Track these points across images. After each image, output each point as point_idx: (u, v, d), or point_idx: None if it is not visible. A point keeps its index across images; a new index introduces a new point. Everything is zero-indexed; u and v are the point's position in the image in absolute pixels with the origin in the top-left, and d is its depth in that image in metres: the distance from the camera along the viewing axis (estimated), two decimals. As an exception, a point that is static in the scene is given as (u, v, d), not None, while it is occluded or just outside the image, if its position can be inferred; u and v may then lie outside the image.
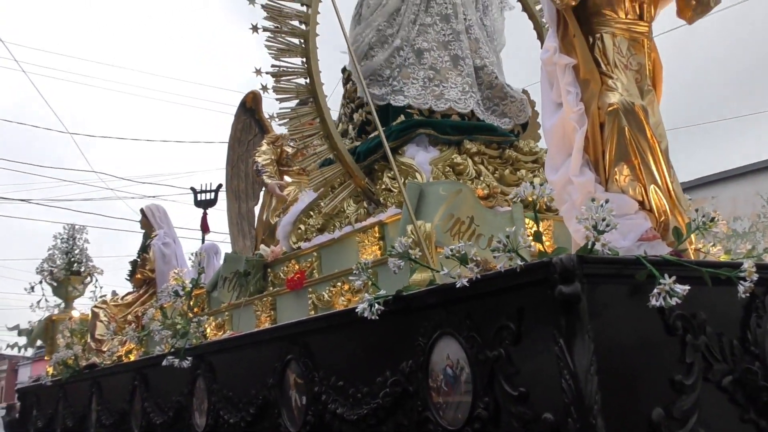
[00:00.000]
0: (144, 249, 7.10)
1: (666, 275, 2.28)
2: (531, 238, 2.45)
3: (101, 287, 9.48)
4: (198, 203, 17.52)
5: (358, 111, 4.60)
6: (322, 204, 4.31)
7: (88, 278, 9.29)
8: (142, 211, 7.42)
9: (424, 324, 2.73)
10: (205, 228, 11.70)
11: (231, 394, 4.00)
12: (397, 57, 4.37)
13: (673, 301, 2.25)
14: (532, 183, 2.56)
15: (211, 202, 17.50)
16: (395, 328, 2.89)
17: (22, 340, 9.58)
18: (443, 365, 2.67)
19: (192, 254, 6.74)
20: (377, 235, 3.70)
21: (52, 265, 9.08)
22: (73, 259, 9.22)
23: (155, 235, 7.06)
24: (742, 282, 2.43)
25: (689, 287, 2.26)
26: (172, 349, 4.46)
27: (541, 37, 5.00)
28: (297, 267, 4.28)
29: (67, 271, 9.09)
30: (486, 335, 2.46)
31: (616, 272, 2.34)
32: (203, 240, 13.30)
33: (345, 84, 4.82)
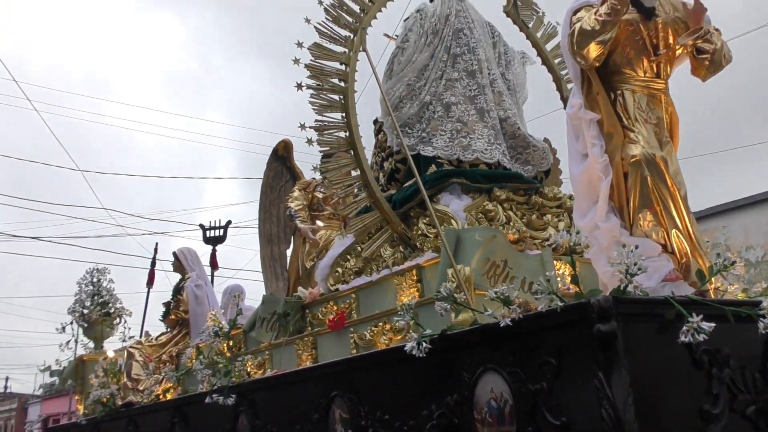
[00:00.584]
0: (177, 291, 7.36)
1: (693, 314, 2.53)
2: (570, 281, 2.70)
3: (129, 327, 9.77)
4: (207, 240, 17.78)
5: (388, 160, 4.89)
6: (359, 248, 4.58)
7: (117, 319, 9.56)
8: (174, 254, 7.70)
9: (468, 360, 2.98)
10: (214, 265, 11.94)
11: (275, 430, 4.23)
12: (427, 111, 4.68)
13: (701, 338, 2.50)
14: (568, 231, 2.81)
15: (220, 239, 17.77)
16: (440, 365, 3.13)
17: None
18: (487, 398, 2.91)
19: (229, 294, 7.05)
20: (415, 278, 3.96)
21: (82, 306, 9.36)
22: (102, 300, 9.49)
23: (188, 278, 7.32)
24: (761, 319, 2.67)
25: (714, 324, 2.51)
26: (214, 387, 4.69)
27: (560, 89, 5.30)
28: (336, 308, 4.53)
29: (98, 312, 9.35)
30: (528, 370, 2.71)
31: (648, 311, 2.60)
32: (212, 276, 13.53)
33: (376, 134, 5.13)
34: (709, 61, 3.66)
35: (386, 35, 5.21)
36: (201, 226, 18.26)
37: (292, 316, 4.86)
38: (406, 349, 3.08)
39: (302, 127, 4.22)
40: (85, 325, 9.39)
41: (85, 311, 9.34)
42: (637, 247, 2.79)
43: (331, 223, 6.13)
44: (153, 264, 9.62)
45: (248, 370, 4.88)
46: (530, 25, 5.40)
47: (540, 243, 4.14)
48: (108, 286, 9.72)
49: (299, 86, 4.26)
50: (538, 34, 5.42)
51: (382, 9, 4.70)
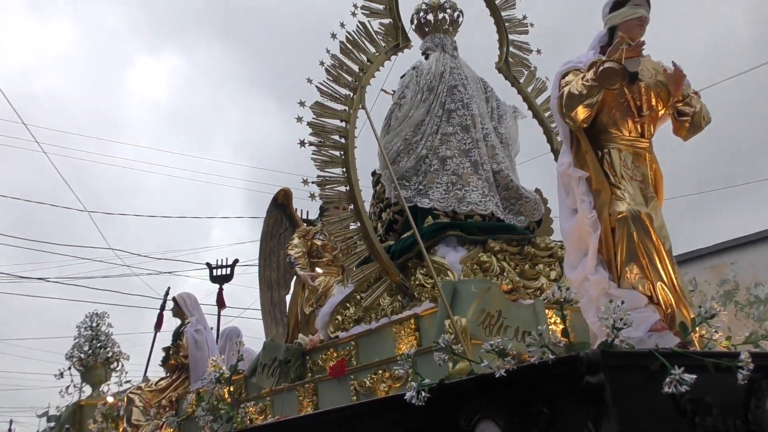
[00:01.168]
0: (177, 336, 7.47)
1: (676, 366, 2.70)
2: (560, 335, 2.88)
3: (127, 372, 9.86)
4: (213, 279, 17.81)
5: (386, 210, 5.09)
6: (359, 297, 4.74)
7: (115, 363, 9.66)
8: (174, 299, 7.82)
9: (466, 409, 3.13)
10: (221, 303, 12.02)
11: (277, 475, 4.35)
12: (423, 164, 4.88)
13: (683, 388, 2.67)
14: (559, 287, 2.99)
15: (227, 278, 17.81)
16: (438, 413, 3.28)
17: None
18: (484, 445, 3.06)
19: (226, 337, 7.18)
20: (413, 326, 4.12)
21: (80, 351, 9.45)
22: (99, 345, 9.59)
23: (188, 323, 7.44)
24: (740, 370, 2.85)
25: (696, 376, 2.68)
26: (218, 432, 4.82)
27: (550, 141, 5.53)
28: (336, 355, 4.69)
29: (96, 357, 9.44)
30: (523, 419, 2.87)
31: (634, 363, 2.77)
32: (219, 315, 13.59)
33: (375, 186, 5.33)
34: (689, 123, 3.90)
35: (384, 90, 5.44)
36: (208, 264, 18.32)
37: (293, 363, 5.00)
38: (405, 397, 3.23)
39: (305, 182, 4.41)
40: (83, 369, 9.50)
41: (83, 356, 9.46)
42: (623, 302, 2.95)
43: (330, 270, 6.30)
44: (162, 307, 9.73)
45: (250, 416, 5.01)
46: (521, 81, 5.63)
47: (533, 292, 4.31)
48: (106, 331, 9.85)
49: (302, 143, 4.47)
50: (529, 89, 5.65)
51: (380, 68, 4.93)
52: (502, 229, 4.62)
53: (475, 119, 5.03)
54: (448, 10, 5.46)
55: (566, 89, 3.77)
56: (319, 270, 6.29)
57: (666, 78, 3.82)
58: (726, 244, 11.99)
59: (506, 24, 5.63)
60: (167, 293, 9.95)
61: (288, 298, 6.69)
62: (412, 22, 5.48)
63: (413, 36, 5.41)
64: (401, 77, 5.30)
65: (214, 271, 18.11)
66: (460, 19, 5.56)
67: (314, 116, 4.56)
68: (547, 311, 4.01)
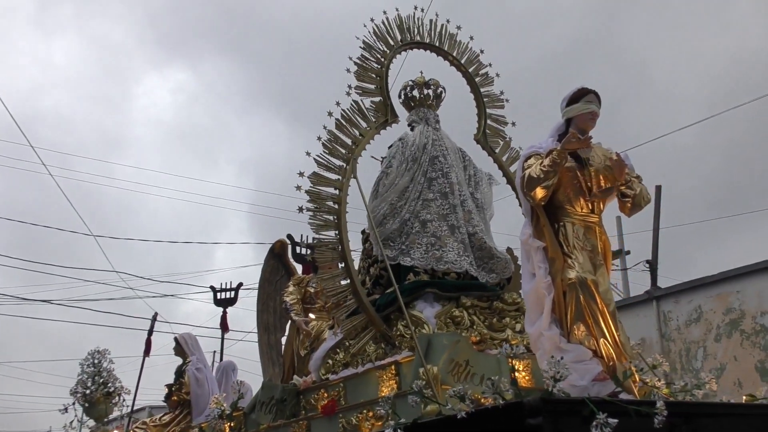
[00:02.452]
0: (180, 374, 8.07)
1: (601, 412, 3.31)
2: (509, 385, 3.50)
3: (128, 406, 10.40)
4: (218, 302, 18.18)
5: (373, 266, 5.72)
6: (348, 344, 5.36)
7: (117, 398, 10.19)
8: (176, 339, 8.43)
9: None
10: (225, 327, 12.49)
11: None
12: (406, 226, 5.53)
13: (607, 430, 3.28)
14: (511, 346, 3.63)
15: (231, 301, 18.24)
16: (412, 448, 3.89)
17: None
18: (448, 476, 3.66)
19: (222, 371, 7.75)
20: (393, 372, 4.74)
21: (84, 387, 9.99)
22: (102, 381, 10.13)
23: (189, 362, 8.05)
24: (656, 416, 3.46)
25: (617, 420, 3.29)
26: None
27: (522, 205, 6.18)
28: (326, 395, 5.29)
29: (99, 392, 9.98)
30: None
31: (569, 409, 3.39)
32: (222, 338, 14.00)
33: (363, 243, 5.98)
34: (630, 203, 4.57)
35: (373, 157, 6.11)
36: (212, 288, 18.73)
37: (289, 401, 5.59)
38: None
39: (300, 210, 5.07)
40: (87, 404, 10.03)
41: (87, 392, 10.00)
42: (562, 358, 3.58)
43: (322, 315, 6.91)
44: (150, 332, 10.27)
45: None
46: (497, 150, 6.30)
47: (499, 343, 4.93)
48: (108, 367, 10.40)
49: (300, 209, 5.13)
50: (504, 158, 6.31)
51: (371, 141, 5.60)
52: (474, 287, 5.26)
53: (453, 187, 5.69)
54: (432, 87, 6.14)
55: (527, 172, 4.44)
56: (312, 315, 6.90)
57: (611, 165, 4.49)
58: (732, 272, 11.73)
59: (485, 99, 6.31)
60: (155, 318, 10.53)
61: (284, 340, 7.28)
62: (399, 96, 6.17)
63: (401, 109, 6.12)
64: (389, 147, 5.97)
65: (218, 294, 18.59)
66: (443, 95, 6.24)
67: (311, 185, 5.22)
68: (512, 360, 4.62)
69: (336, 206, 5.25)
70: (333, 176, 5.33)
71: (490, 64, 6.44)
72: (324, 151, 5.34)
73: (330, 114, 5.42)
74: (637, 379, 4.39)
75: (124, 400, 10.30)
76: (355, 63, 5.68)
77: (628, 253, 19.70)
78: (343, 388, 5.18)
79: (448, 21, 6.30)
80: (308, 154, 5.26)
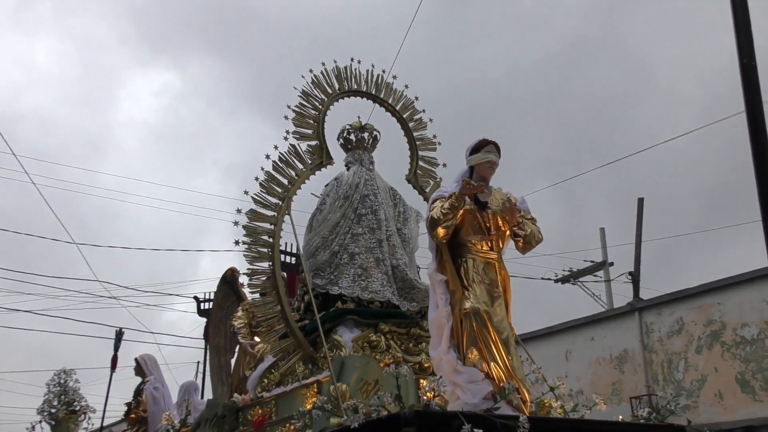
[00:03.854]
0: (138, 393, 8.58)
1: (470, 424, 3.87)
2: (394, 399, 4.07)
3: (93, 424, 10.89)
4: (201, 312, 18.48)
5: (307, 294, 6.30)
6: (281, 364, 5.91)
7: (82, 416, 10.69)
8: (136, 360, 8.95)
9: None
10: (208, 337, 12.85)
11: None
12: (336, 258, 6.11)
13: (475, 440, 3.83)
14: (396, 366, 4.20)
15: None
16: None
17: None
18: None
19: (184, 391, 8.26)
20: (315, 390, 5.30)
21: (50, 406, 10.49)
22: (67, 400, 10.63)
23: (147, 381, 8.57)
24: (519, 430, 4.02)
25: (482, 430, 3.85)
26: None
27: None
28: (261, 411, 5.83)
29: (65, 410, 10.48)
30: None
31: (441, 421, 3.95)
32: (206, 348, 14.42)
33: (299, 273, 6.55)
34: (522, 242, 5.16)
35: (313, 194, 6.70)
36: (195, 298, 19.06)
37: (228, 418, 6.12)
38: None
39: (236, 271, 5.63)
40: (53, 422, 10.53)
41: (53, 410, 10.50)
42: (440, 377, 4.15)
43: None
44: (116, 348, 10.77)
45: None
46: (427, 189, 6.90)
47: (412, 366, 5.49)
48: (74, 386, 10.91)
49: (237, 242, 5.70)
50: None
51: (306, 181, 6.19)
52: (393, 314, 5.85)
53: (381, 223, 6.29)
54: (368, 131, 6.76)
55: (431, 213, 5.04)
56: (257, 339, 7.43)
57: (502, 209, 5.09)
58: (713, 284, 11.90)
59: (417, 142, 6.93)
60: (120, 335, 11.00)
61: (233, 362, 7.80)
62: (338, 139, 6.78)
63: (339, 150, 6.72)
64: (325, 186, 6.57)
65: (202, 304, 18.86)
66: (378, 139, 6.85)
67: (248, 220, 5.79)
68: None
69: (270, 240, 5.82)
70: (269, 212, 5.90)
71: (423, 110, 7.09)
72: (261, 191, 5.91)
73: (267, 157, 6.01)
74: (527, 398, 4.94)
75: (89, 418, 10.86)
76: (294, 110, 6.27)
77: (611, 264, 20.19)
78: (275, 405, 5.72)
79: (383, 71, 6.95)
80: (246, 192, 5.84)
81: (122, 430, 8.68)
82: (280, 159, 6.08)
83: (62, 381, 11.01)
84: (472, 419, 3.95)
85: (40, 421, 10.51)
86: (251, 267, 5.72)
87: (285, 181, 6.06)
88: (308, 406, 5.24)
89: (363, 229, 6.24)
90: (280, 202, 5.95)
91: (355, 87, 6.74)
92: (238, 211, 5.75)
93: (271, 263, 5.78)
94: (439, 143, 7.08)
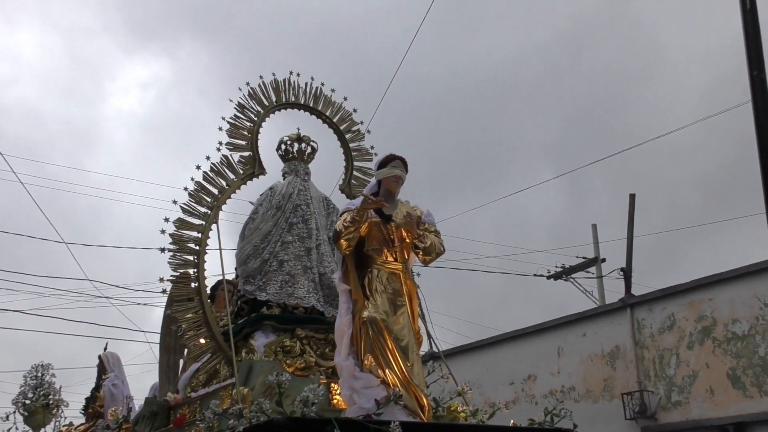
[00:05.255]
0: (96, 388, 8.91)
1: (344, 429, 4.12)
2: (273, 404, 4.33)
3: (65, 417, 11.23)
4: None
5: (237, 302, 6.58)
6: (206, 367, 6.20)
7: (56, 409, 11.03)
8: (99, 357, 9.28)
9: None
10: None
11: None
12: (266, 265, 6.37)
13: (342, 444, 4.09)
14: (278, 374, 4.45)
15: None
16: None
17: None
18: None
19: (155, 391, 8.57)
20: (230, 391, 5.56)
21: (24, 398, 10.83)
22: (43, 393, 10.96)
23: (106, 377, 8.89)
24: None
25: (343, 436, 4.10)
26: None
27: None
28: (187, 411, 6.11)
29: (38, 403, 10.81)
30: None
31: (313, 427, 4.20)
32: None
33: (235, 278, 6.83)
34: (422, 253, 5.40)
35: (250, 202, 6.97)
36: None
37: (160, 416, 6.41)
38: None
39: (161, 280, 5.92)
40: (26, 414, 10.86)
41: (27, 402, 10.84)
42: (319, 386, 4.41)
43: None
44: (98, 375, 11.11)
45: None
46: (363, 198, 7.14)
47: (325, 370, 5.75)
48: (50, 380, 11.24)
49: (162, 249, 5.98)
50: (369, 205, 7.15)
51: (237, 190, 6.45)
52: (312, 320, 6.10)
53: (312, 232, 6.54)
54: (303, 143, 7.01)
55: (335, 225, 5.30)
56: (202, 340, 7.70)
57: (402, 222, 5.33)
58: (704, 280, 11.94)
59: (353, 153, 7.18)
60: (106, 348, 11.34)
61: (181, 362, 8.08)
62: (278, 150, 7.04)
63: (280, 162, 6.99)
64: (260, 195, 6.83)
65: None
66: (316, 148, 7.10)
67: (175, 229, 6.07)
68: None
69: (197, 247, 6.09)
70: (197, 221, 6.17)
71: (361, 122, 7.33)
72: (190, 200, 6.18)
73: (198, 167, 6.27)
74: (425, 403, 5.18)
75: (62, 412, 11.19)
76: (228, 122, 6.53)
77: (603, 260, 20.29)
78: (199, 405, 5.99)
79: (323, 84, 7.19)
80: (175, 202, 6.11)
81: (80, 424, 9.01)
82: (211, 169, 6.34)
83: (39, 374, 11.33)
84: (346, 425, 4.21)
85: (14, 412, 10.84)
86: (174, 274, 5.99)
87: (215, 191, 6.32)
88: (225, 406, 5.52)
89: (293, 237, 6.50)
90: (209, 211, 6.22)
91: (293, 99, 6.98)
92: (166, 219, 6.02)
93: (195, 270, 6.05)
94: (376, 154, 7.30)
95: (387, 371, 5.06)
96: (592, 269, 20.58)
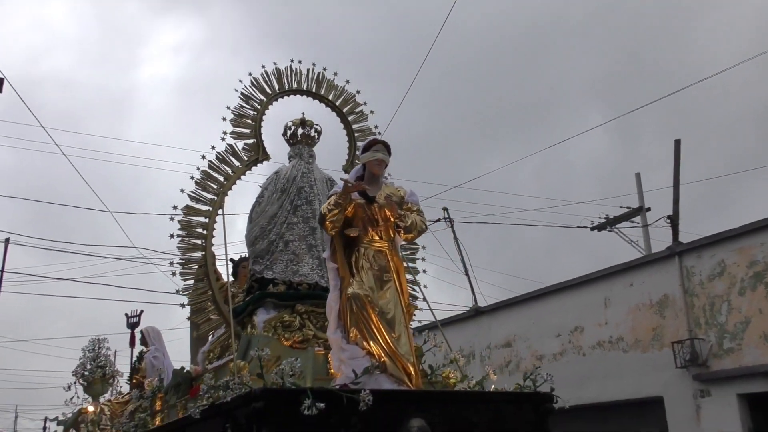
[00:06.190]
0: (139, 360, 9.60)
1: (311, 397, 4.51)
2: (255, 376, 4.76)
3: (121, 386, 12.08)
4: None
5: (249, 280, 7.04)
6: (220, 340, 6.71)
7: (112, 379, 11.88)
8: (141, 332, 9.97)
9: (224, 418, 5.03)
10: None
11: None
12: (272, 246, 6.81)
13: (314, 411, 4.48)
14: (261, 349, 4.87)
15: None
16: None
17: None
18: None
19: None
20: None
21: (83, 369, 11.69)
22: (99, 364, 11.81)
23: (148, 350, 9.57)
24: (362, 401, 4.63)
25: (324, 404, 4.48)
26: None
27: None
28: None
29: (95, 373, 11.66)
30: (239, 424, 4.74)
31: (287, 397, 4.60)
32: None
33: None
34: (403, 232, 5.71)
35: (260, 186, 7.40)
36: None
37: (183, 386, 6.96)
38: (191, 413, 5.16)
39: (171, 263, 6.42)
40: (85, 384, 11.75)
41: (86, 373, 11.71)
42: (297, 359, 4.82)
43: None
44: (133, 327, 11.88)
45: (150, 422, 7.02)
46: (367, 177, 7.46)
47: (324, 342, 6.17)
48: (105, 353, 12.09)
49: (172, 236, 6.47)
50: (373, 184, 7.48)
51: (242, 177, 6.88)
52: (313, 296, 6.51)
53: (315, 212, 6.92)
54: (307, 127, 7.38)
55: (321, 208, 5.67)
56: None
57: (383, 203, 5.66)
58: (755, 224, 11.54)
59: (356, 134, 7.51)
60: (139, 315, 12.10)
61: (210, 336, 8.66)
62: (284, 134, 7.44)
63: (281, 147, 7.40)
64: (267, 179, 7.25)
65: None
66: (321, 131, 7.47)
67: (184, 215, 6.55)
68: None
69: (204, 232, 6.56)
70: (204, 207, 6.63)
71: (365, 103, 7.64)
72: (197, 188, 6.64)
73: (203, 157, 6.73)
74: (411, 371, 5.53)
75: (117, 381, 12.05)
76: (232, 112, 6.95)
77: (648, 210, 20.13)
78: (215, 376, 6.50)
79: (324, 69, 7.52)
80: (182, 191, 6.58)
81: (127, 393, 9.73)
82: (216, 157, 6.78)
83: (96, 348, 12.20)
84: (320, 395, 4.61)
85: (75, 382, 11.73)
86: (184, 257, 6.49)
87: (221, 178, 6.76)
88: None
89: (298, 218, 6.90)
90: (215, 197, 6.67)
91: (295, 86, 7.34)
92: (175, 207, 6.50)
93: (204, 253, 6.53)
94: (379, 133, 7.63)
95: (371, 343, 5.42)
96: (638, 219, 20.37)
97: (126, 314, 11.12)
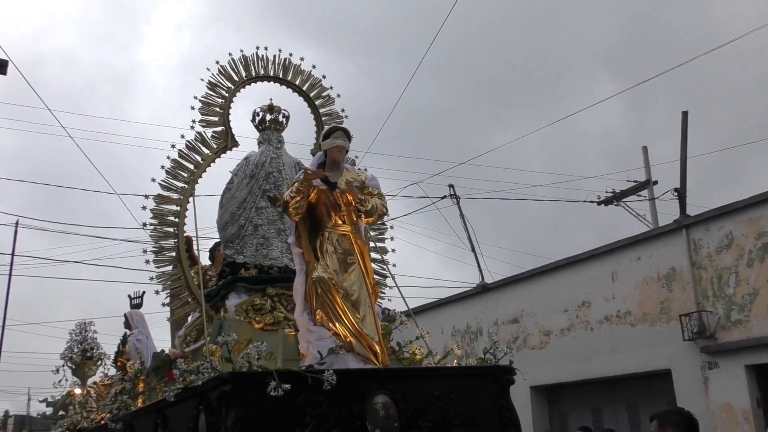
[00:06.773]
0: (123, 343, 9.83)
1: (276, 378, 4.74)
2: (223, 361, 4.99)
3: (108, 369, 12.32)
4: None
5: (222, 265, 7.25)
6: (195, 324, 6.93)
7: (99, 362, 12.12)
8: (125, 315, 10.19)
9: (198, 399, 5.27)
10: None
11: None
12: (242, 230, 7.01)
13: (280, 392, 4.71)
14: (223, 336, 5.09)
15: None
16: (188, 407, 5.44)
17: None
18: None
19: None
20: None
21: (70, 352, 11.92)
22: (86, 347, 12.04)
23: (131, 334, 9.80)
24: (326, 381, 4.87)
25: (289, 385, 4.72)
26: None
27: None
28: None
29: (82, 356, 11.89)
30: (210, 408, 4.98)
31: (254, 379, 4.83)
32: None
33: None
34: (364, 216, 5.91)
35: (230, 172, 7.57)
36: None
37: (162, 368, 7.20)
38: (166, 396, 5.40)
39: (144, 251, 6.61)
40: (73, 367, 11.99)
41: (72, 356, 11.94)
42: (264, 343, 5.04)
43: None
44: (137, 308, 12.09)
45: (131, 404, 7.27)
46: (336, 159, 7.65)
47: (294, 323, 6.39)
48: (92, 336, 12.32)
49: (144, 225, 6.66)
50: (342, 165, 7.67)
51: (211, 164, 7.06)
52: (283, 279, 6.72)
53: (284, 197, 7.11)
54: (275, 113, 7.54)
55: (284, 195, 5.86)
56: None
57: (344, 189, 5.85)
58: (762, 195, 11.45)
59: (323, 117, 7.69)
60: (142, 295, 12.29)
61: (189, 318, 8.89)
62: (252, 121, 7.60)
63: (256, 133, 7.55)
64: (236, 165, 7.43)
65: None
66: (288, 116, 7.63)
67: (156, 204, 6.73)
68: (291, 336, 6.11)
69: (176, 219, 6.75)
70: (175, 195, 6.81)
71: (331, 87, 7.81)
72: (168, 177, 6.82)
73: (173, 146, 6.89)
74: (377, 349, 5.77)
75: (104, 363, 12.29)
76: (200, 101, 7.10)
77: (655, 183, 20.29)
78: (191, 359, 6.74)
79: (291, 54, 7.67)
80: (153, 180, 6.75)
81: (112, 375, 10.01)
82: (186, 146, 6.95)
83: (83, 331, 12.42)
84: (285, 376, 4.84)
85: (63, 365, 11.96)
86: (157, 245, 6.68)
87: (191, 167, 6.93)
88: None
89: (266, 203, 7.09)
90: (186, 186, 6.85)
91: (262, 72, 7.49)
92: (146, 196, 6.68)
93: (176, 240, 6.73)
94: (346, 116, 7.80)
95: (337, 324, 5.65)
96: (645, 192, 20.48)
97: (129, 295, 11.29)
